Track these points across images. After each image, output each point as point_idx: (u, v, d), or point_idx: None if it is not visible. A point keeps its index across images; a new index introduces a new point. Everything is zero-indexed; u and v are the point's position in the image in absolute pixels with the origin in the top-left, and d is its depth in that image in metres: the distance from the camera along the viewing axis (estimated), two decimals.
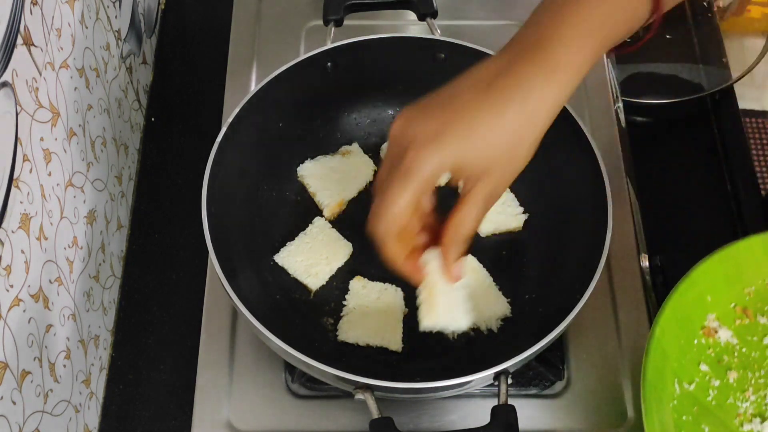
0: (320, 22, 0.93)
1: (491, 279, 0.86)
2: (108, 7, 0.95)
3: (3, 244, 0.66)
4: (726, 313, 0.82)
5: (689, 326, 0.81)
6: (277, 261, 0.87)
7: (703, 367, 0.80)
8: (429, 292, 0.80)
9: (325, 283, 0.87)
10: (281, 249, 0.88)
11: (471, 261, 0.87)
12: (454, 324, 0.81)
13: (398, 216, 0.60)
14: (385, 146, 0.94)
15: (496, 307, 0.85)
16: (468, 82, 0.60)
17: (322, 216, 0.90)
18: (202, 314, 0.89)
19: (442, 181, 0.92)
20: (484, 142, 0.58)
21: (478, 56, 0.88)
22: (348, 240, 0.89)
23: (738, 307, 0.83)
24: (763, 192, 1.05)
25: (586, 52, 0.59)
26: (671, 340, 0.78)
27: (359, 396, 0.71)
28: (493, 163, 0.59)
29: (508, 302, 0.85)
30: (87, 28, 0.88)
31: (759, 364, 0.80)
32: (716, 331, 0.81)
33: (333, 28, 0.92)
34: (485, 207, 0.61)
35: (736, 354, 0.81)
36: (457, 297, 0.80)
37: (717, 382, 0.79)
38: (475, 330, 0.84)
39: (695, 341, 0.81)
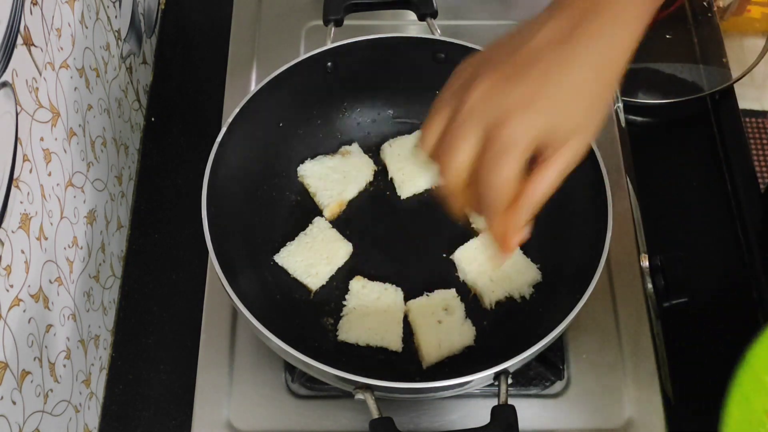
0: (320, 22, 0.93)
1: (518, 248, 0.86)
2: (108, 7, 0.95)
3: (3, 244, 0.66)
4: None
5: (752, 413, 0.77)
6: (277, 261, 0.87)
7: None
8: (419, 334, 0.81)
9: (325, 283, 0.87)
10: (281, 249, 0.88)
11: None
12: (458, 345, 0.82)
13: (506, 188, 0.58)
14: (385, 146, 0.94)
15: (526, 274, 0.85)
16: (542, 39, 0.58)
17: (322, 216, 0.90)
18: (202, 314, 0.89)
19: None
20: (575, 103, 0.57)
21: None
22: (348, 240, 0.89)
23: None
24: (762, 189, 1.05)
25: (643, 7, 0.59)
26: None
27: (359, 396, 0.71)
28: (581, 123, 0.58)
29: (537, 267, 0.86)
30: (87, 28, 0.88)
31: None
32: None
33: (333, 28, 0.92)
34: (567, 170, 0.59)
35: None
36: (448, 324, 0.81)
37: None
38: (476, 327, 0.84)
39: (761, 430, 0.77)
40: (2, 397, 0.66)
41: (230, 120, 0.84)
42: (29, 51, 0.72)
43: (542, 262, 0.87)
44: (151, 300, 0.99)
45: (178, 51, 1.18)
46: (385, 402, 0.72)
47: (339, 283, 0.87)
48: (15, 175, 0.68)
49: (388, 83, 0.95)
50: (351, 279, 0.86)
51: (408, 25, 1.11)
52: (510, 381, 0.73)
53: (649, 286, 0.91)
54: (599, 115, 0.59)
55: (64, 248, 0.80)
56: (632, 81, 1.13)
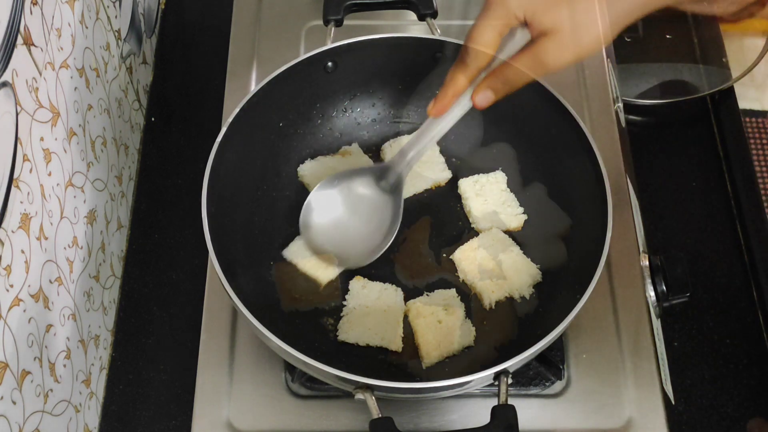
0: (320, 22, 0.93)
1: (518, 248, 0.87)
2: (108, 7, 0.95)
3: (3, 244, 0.66)
4: None
5: None
6: (285, 256, 0.87)
7: None
8: (419, 334, 0.81)
9: (334, 277, 0.87)
10: (289, 244, 0.87)
11: (496, 233, 0.87)
12: (458, 345, 0.82)
13: (476, 38, 0.69)
14: (385, 146, 0.94)
15: (527, 274, 0.85)
16: None
17: None
18: (202, 314, 0.89)
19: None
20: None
21: None
22: None
23: None
24: (763, 192, 1.05)
25: None
26: None
27: (359, 396, 0.71)
28: (560, 23, 0.65)
29: (537, 268, 0.86)
30: (87, 28, 0.88)
31: None
32: None
33: (333, 28, 0.92)
34: (539, 65, 0.68)
35: None
36: (448, 324, 0.81)
37: None
38: (476, 327, 0.84)
39: None
40: (2, 397, 0.66)
41: (230, 120, 0.84)
42: (29, 51, 0.72)
43: (542, 262, 0.87)
44: (151, 300, 0.99)
45: (178, 51, 1.18)
46: (385, 402, 0.72)
47: (339, 283, 0.87)
48: (15, 175, 0.68)
49: (388, 83, 0.95)
50: (351, 279, 0.86)
51: (408, 25, 1.11)
52: (510, 381, 0.73)
53: (649, 285, 0.91)
54: (586, 31, 0.66)
55: (64, 248, 0.80)
56: (632, 81, 1.13)
